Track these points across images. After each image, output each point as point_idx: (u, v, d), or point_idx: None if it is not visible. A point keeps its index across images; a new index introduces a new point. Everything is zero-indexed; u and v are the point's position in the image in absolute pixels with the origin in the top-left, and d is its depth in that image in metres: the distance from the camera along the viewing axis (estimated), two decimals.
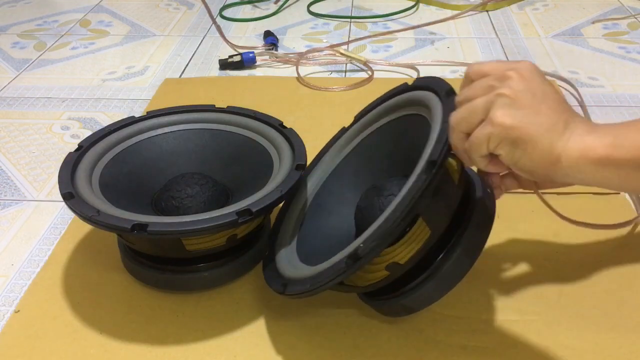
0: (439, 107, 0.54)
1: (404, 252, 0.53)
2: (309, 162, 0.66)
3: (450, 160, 0.54)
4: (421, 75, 1.09)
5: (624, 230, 0.73)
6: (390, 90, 0.65)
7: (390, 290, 0.56)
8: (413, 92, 0.61)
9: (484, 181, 0.57)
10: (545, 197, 0.60)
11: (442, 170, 0.49)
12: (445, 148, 0.49)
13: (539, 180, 0.56)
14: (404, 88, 0.63)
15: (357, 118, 0.69)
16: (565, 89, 1.06)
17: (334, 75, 1.14)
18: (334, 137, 0.70)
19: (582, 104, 1.00)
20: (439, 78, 0.58)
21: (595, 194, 0.78)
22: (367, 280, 0.56)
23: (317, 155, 0.70)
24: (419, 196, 0.48)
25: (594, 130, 0.45)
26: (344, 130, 0.70)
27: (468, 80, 0.50)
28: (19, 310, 0.65)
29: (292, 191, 0.62)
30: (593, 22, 1.34)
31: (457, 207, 0.53)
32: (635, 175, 0.44)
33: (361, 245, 0.49)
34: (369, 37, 1.29)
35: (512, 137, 0.45)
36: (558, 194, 0.76)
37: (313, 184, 0.68)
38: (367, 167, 0.66)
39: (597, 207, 0.76)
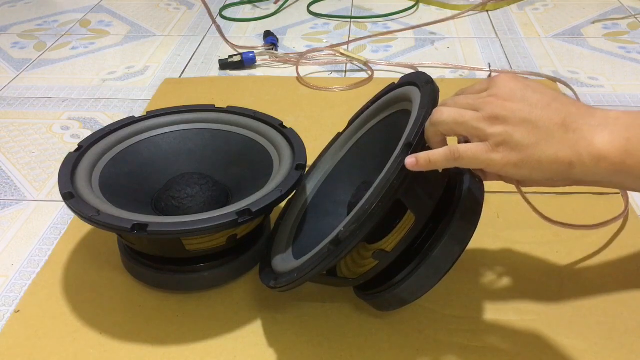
0: (418, 97, 0.55)
1: (390, 239, 0.54)
2: (308, 164, 0.67)
3: None
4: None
5: (624, 230, 0.73)
6: (379, 92, 0.66)
7: (382, 282, 0.56)
8: (398, 90, 0.62)
9: (471, 171, 0.57)
10: (544, 196, 0.60)
11: (419, 151, 0.49)
12: (421, 131, 0.50)
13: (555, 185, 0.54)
14: (391, 87, 0.64)
15: (351, 122, 0.70)
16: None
17: (334, 75, 1.14)
18: (330, 142, 0.72)
19: None
20: (420, 72, 0.59)
21: (595, 193, 0.78)
22: (357, 272, 0.57)
23: (315, 160, 0.71)
24: (395, 177, 0.48)
25: (603, 127, 0.45)
26: (339, 135, 0.71)
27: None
28: (19, 310, 0.65)
29: (292, 191, 0.62)
30: (593, 22, 1.34)
31: (443, 194, 0.54)
32: None
33: (342, 229, 0.50)
34: (369, 37, 1.29)
35: (513, 163, 0.46)
36: (557, 194, 0.77)
37: (311, 187, 0.69)
38: (361, 168, 0.67)
39: (597, 207, 0.76)
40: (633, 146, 0.44)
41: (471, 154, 0.47)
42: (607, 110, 0.47)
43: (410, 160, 0.48)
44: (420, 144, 0.50)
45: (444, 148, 0.48)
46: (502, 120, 0.46)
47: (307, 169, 0.70)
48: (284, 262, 0.60)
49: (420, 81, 0.57)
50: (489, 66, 1.15)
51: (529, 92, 0.48)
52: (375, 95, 0.67)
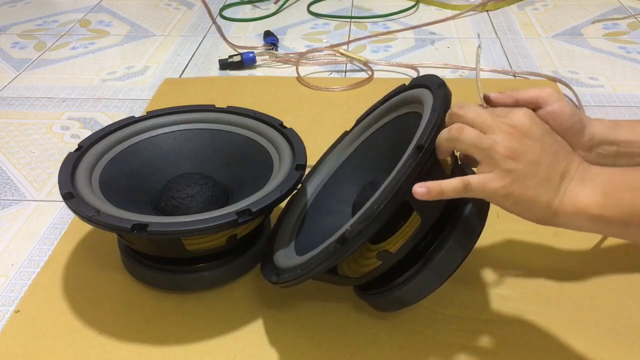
0: (430, 99, 0.55)
1: (394, 241, 0.54)
2: (312, 163, 0.67)
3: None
4: (421, 75, 1.09)
5: None
6: (389, 92, 0.66)
7: (384, 283, 0.57)
8: (409, 91, 0.62)
9: None
10: None
11: (429, 154, 0.50)
12: (433, 133, 0.50)
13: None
14: (402, 89, 0.64)
15: (358, 121, 0.70)
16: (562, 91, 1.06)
17: (334, 75, 1.14)
18: (336, 141, 0.72)
19: (578, 106, 1.00)
20: (433, 75, 0.59)
21: None
22: (360, 271, 0.57)
23: (320, 158, 0.71)
24: (405, 179, 0.48)
25: (586, 182, 0.49)
26: (345, 134, 0.71)
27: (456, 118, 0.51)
28: (19, 310, 0.65)
29: (292, 191, 0.62)
30: (593, 22, 1.34)
31: (450, 199, 0.53)
32: (624, 230, 0.48)
33: (348, 228, 0.50)
34: (369, 37, 1.29)
35: (512, 199, 0.48)
36: None
37: (315, 185, 0.69)
38: (367, 167, 0.66)
39: None
40: (609, 201, 0.47)
41: (481, 187, 0.49)
42: (591, 165, 0.50)
43: (421, 190, 0.49)
44: (432, 147, 0.50)
45: (457, 180, 0.49)
46: (517, 155, 0.48)
47: (312, 166, 0.71)
48: (286, 257, 0.60)
49: (432, 84, 0.56)
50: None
51: (546, 134, 0.50)
52: (385, 96, 0.67)
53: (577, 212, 0.48)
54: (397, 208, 0.49)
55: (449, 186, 0.49)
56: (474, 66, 1.14)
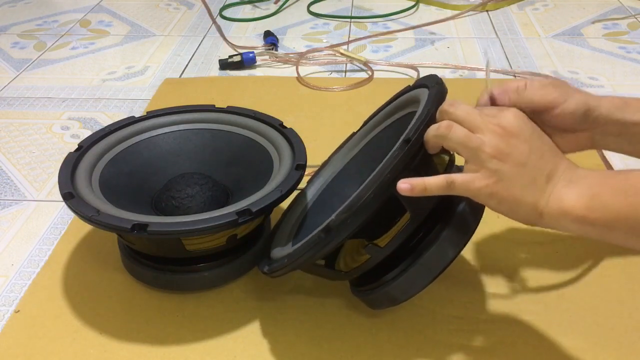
0: (426, 97, 0.56)
1: (386, 237, 0.55)
2: (312, 163, 0.67)
3: (442, 155, 0.56)
4: (421, 75, 1.09)
5: None
6: (396, 93, 0.67)
7: (375, 278, 0.57)
8: (412, 92, 0.62)
9: None
10: None
11: (417, 147, 0.50)
12: (421, 128, 0.50)
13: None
14: (406, 89, 0.64)
15: (366, 122, 0.71)
16: None
17: (334, 75, 1.14)
18: (343, 141, 0.72)
19: None
20: (434, 75, 0.60)
21: None
22: (351, 266, 0.57)
23: (326, 159, 0.72)
24: (390, 171, 0.49)
25: (573, 184, 0.48)
26: (353, 134, 0.72)
27: (448, 116, 0.51)
28: (19, 310, 0.65)
29: (292, 191, 0.62)
30: (593, 22, 1.34)
31: (445, 197, 0.54)
32: (608, 233, 0.48)
33: (333, 218, 0.50)
34: (369, 37, 1.29)
35: (497, 199, 0.49)
36: None
37: (319, 185, 0.70)
38: (370, 166, 0.67)
39: None
40: (594, 203, 0.47)
41: (465, 185, 0.49)
42: (578, 167, 0.50)
43: (405, 186, 0.49)
44: (419, 140, 0.50)
45: (441, 178, 0.49)
46: (503, 156, 0.48)
47: (318, 167, 0.71)
48: (282, 251, 0.61)
49: (431, 83, 0.57)
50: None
51: (534, 136, 0.50)
52: (392, 96, 0.67)
53: (563, 214, 0.48)
54: (384, 201, 0.50)
55: (432, 183, 0.49)
56: (476, 66, 1.14)
